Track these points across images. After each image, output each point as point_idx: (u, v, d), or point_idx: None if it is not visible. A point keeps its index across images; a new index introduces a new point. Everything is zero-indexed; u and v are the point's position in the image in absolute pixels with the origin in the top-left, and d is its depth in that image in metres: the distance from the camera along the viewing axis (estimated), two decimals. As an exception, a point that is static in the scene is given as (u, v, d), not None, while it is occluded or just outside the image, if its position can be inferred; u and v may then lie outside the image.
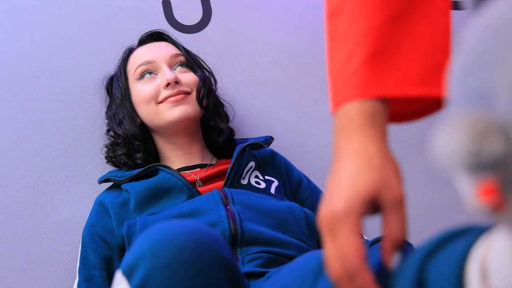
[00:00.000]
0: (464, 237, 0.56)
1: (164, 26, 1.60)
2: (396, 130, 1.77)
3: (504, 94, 0.38)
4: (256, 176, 1.38)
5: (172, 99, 1.35)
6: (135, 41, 1.52)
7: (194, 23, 1.69)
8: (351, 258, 0.65)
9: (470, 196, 0.41)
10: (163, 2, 1.66)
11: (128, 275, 0.79)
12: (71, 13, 1.59)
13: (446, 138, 0.40)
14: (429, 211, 1.73)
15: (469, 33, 0.44)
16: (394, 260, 0.67)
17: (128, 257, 0.81)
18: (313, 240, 1.30)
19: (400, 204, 0.68)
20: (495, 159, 0.38)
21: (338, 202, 0.67)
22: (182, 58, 1.44)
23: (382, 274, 0.67)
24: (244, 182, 1.35)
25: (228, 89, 1.65)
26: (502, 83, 0.39)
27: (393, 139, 1.80)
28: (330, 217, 0.67)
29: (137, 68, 1.41)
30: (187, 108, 1.36)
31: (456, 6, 1.89)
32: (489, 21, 0.41)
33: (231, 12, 1.72)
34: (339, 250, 0.66)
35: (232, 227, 1.17)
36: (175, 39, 1.50)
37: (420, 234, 1.81)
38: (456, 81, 0.44)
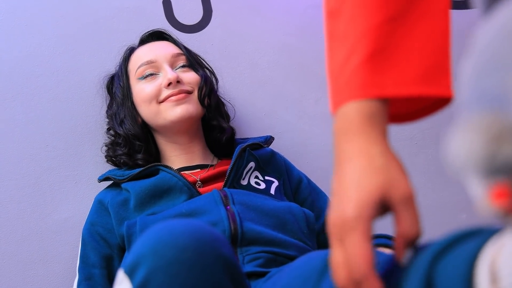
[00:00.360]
0: (474, 239, 0.56)
1: (164, 25, 1.60)
2: (396, 130, 1.77)
3: None
4: (256, 177, 1.38)
5: (173, 98, 1.35)
6: (135, 41, 1.52)
7: (195, 22, 1.69)
8: (360, 265, 0.64)
9: (482, 199, 0.41)
10: (163, 2, 1.66)
11: (130, 274, 0.79)
12: (71, 13, 1.59)
13: (460, 142, 0.40)
14: (430, 211, 1.73)
15: (481, 34, 0.43)
16: (406, 258, 0.67)
17: (130, 256, 0.81)
18: (313, 240, 1.30)
19: (410, 200, 0.67)
20: (509, 163, 0.38)
21: (348, 207, 0.66)
22: (183, 58, 1.44)
23: (391, 273, 0.67)
24: (244, 182, 1.35)
25: (228, 88, 1.65)
26: None
27: (393, 138, 1.80)
28: (340, 222, 0.67)
29: (138, 68, 1.41)
30: (188, 107, 1.36)
31: (460, 6, 1.89)
32: (501, 23, 0.41)
33: (231, 12, 1.72)
34: (348, 256, 0.65)
35: (232, 227, 1.17)
36: (176, 38, 1.50)
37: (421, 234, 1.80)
38: (468, 82, 0.43)
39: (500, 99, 0.40)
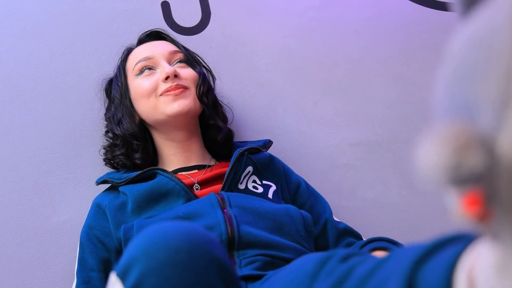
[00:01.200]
0: (454, 245, 0.56)
1: (163, 28, 1.59)
2: (395, 132, 1.77)
3: (485, 106, 0.38)
4: (254, 181, 1.37)
5: (171, 92, 1.35)
6: (134, 43, 1.52)
7: (193, 25, 1.69)
8: None
9: (455, 207, 0.41)
10: (162, 4, 1.66)
11: (123, 277, 0.78)
12: (69, 15, 1.60)
13: (427, 151, 0.40)
14: (429, 213, 1.73)
15: (455, 42, 0.44)
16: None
17: (122, 259, 0.80)
18: (310, 242, 1.30)
19: None
20: (476, 172, 0.38)
21: None
22: (181, 55, 1.44)
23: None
24: (242, 186, 1.35)
25: (227, 91, 1.65)
26: (484, 95, 0.38)
27: (392, 140, 1.81)
28: None
29: (136, 64, 1.41)
30: (186, 102, 1.36)
31: (439, 7, 1.89)
32: (473, 31, 0.41)
33: (230, 14, 1.72)
34: None
35: (229, 230, 1.16)
36: (173, 38, 1.50)
37: (420, 237, 1.80)
38: (441, 91, 0.43)
39: (470, 109, 0.39)
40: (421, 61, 1.85)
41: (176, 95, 1.35)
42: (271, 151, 1.50)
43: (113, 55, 1.53)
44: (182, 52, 1.45)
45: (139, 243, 0.80)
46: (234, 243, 1.16)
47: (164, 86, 1.36)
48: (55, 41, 1.57)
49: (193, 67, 1.44)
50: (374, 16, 1.83)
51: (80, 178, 1.52)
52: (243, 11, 1.73)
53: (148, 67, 1.40)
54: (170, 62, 1.41)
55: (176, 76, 1.37)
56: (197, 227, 0.84)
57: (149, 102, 1.37)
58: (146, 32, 1.52)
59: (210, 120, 1.45)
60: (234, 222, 1.18)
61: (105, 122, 1.51)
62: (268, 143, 1.49)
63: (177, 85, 1.36)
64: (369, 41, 1.81)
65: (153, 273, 0.75)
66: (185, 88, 1.37)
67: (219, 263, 0.81)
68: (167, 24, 1.65)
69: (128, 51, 1.49)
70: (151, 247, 0.77)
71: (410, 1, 1.87)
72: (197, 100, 1.39)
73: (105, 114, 1.52)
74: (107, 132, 1.49)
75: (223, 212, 1.20)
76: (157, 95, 1.36)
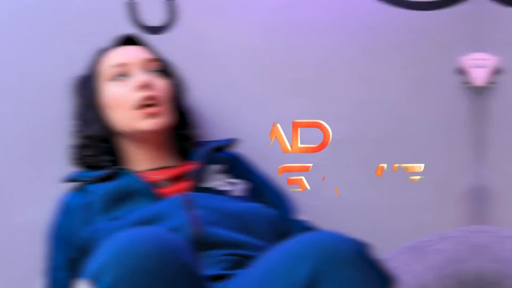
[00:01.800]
0: None
1: (127, 27, 1.58)
2: (362, 131, 1.78)
3: None
4: (220, 179, 1.38)
5: (144, 111, 1.34)
6: (99, 42, 1.51)
7: (159, 24, 1.68)
8: None
9: None
10: (128, 2, 1.65)
11: (93, 284, 0.79)
12: (36, 15, 1.58)
13: None
14: (395, 213, 1.75)
15: None
16: None
17: (92, 265, 0.81)
18: (278, 241, 1.30)
19: None
20: None
21: None
22: (156, 64, 1.43)
23: None
24: (208, 185, 1.35)
25: (193, 92, 1.65)
26: None
27: (358, 140, 1.81)
28: None
29: (109, 70, 1.40)
30: (160, 121, 1.36)
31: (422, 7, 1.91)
32: None
33: (196, 13, 1.71)
34: None
35: (195, 231, 1.17)
36: (150, 45, 1.49)
37: (385, 237, 1.82)
38: None
39: None
40: (388, 60, 1.86)
41: (149, 113, 1.34)
42: (237, 151, 1.50)
43: (80, 54, 1.51)
44: (157, 61, 1.44)
45: (108, 250, 0.80)
46: (201, 243, 1.16)
47: (136, 96, 1.35)
48: (19, 41, 1.56)
49: (166, 77, 1.43)
50: (340, 16, 1.84)
51: (46, 177, 1.52)
52: (210, 11, 1.73)
53: (122, 74, 1.39)
54: (144, 70, 1.40)
55: (149, 86, 1.36)
56: (166, 232, 0.84)
57: (120, 112, 1.36)
58: (122, 36, 1.50)
59: (181, 129, 1.46)
60: (200, 222, 1.18)
61: (73, 121, 1.49)
62: (233, 142, 1.49)
63: (149, 96, 1.35)
64: (336, 41, 1.82)
65: (124, 280, 0.76)
66: (158, 100, 1.36)
67: (189, 269, 0.82)
68: (132, 22, 1.64)
69: (102, 52, 1.47)
70: (121, 254, 0.78)
71: (376, 1, 1.88)
72: (170, 114, 1.39)
73: (74, 113, 1.50)
74: (75, 131, 1.48)
75: (189, 213, 1.21)
76: (129, 107, 1.35)
